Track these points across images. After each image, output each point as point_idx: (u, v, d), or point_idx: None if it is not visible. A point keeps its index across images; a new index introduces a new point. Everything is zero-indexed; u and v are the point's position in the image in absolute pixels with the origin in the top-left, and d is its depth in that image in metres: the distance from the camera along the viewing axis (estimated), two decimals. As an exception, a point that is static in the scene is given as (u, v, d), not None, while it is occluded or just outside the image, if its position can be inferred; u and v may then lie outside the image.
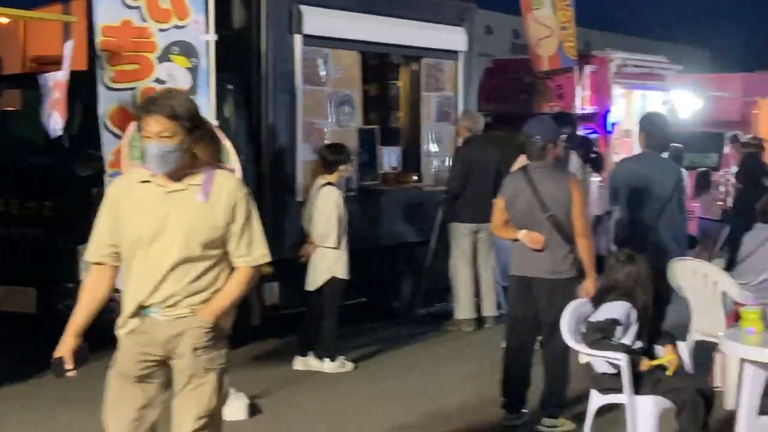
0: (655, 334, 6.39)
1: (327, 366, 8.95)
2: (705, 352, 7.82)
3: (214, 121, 7.44)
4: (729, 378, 7.55)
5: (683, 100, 17.29)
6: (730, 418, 6.13)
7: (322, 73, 10.39)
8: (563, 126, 9.30)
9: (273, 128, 9.83)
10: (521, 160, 7.83)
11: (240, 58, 9.58)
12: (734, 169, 15.60)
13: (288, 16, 9.91)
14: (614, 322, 6.13)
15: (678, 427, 6.01)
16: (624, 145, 14.79)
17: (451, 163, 11.09)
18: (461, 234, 10.79)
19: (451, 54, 11.87)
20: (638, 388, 6.06)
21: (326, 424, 7.54)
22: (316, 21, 10.11)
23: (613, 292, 6.32)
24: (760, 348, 5.74)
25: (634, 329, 6.21)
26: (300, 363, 9.05)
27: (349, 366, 9.08)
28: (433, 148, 11.81)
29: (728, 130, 18.57)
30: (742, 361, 5.94)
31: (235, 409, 7.47)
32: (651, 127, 8.41)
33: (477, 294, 10.91)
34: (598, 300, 6.42)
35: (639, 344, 6.22)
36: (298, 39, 9.99)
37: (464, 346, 10.17)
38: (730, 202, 15.76)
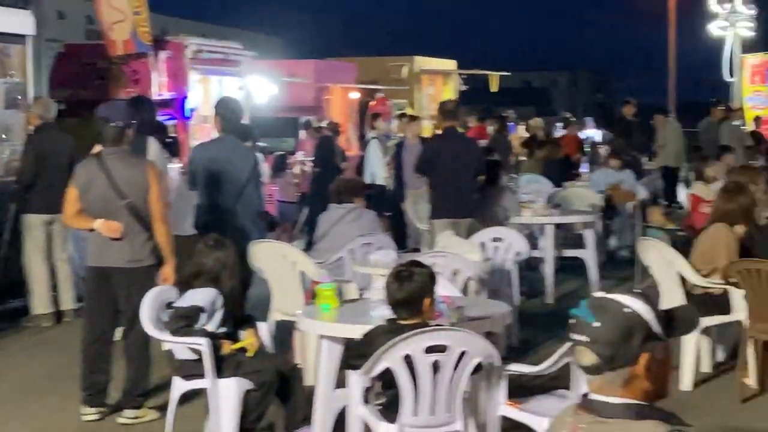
0: (239, 317, 6.42)
1: None
2: (287, 330, 8.00)
3: None
4: (308, 354, 7.76)
5: (258, 85, 17.59)
6: (310, 393, 6.28)
7: None
8: (140, 111, 9.15)
9: None
10: (99, 148, 7.60)
11: None
12: (312, 156, 16.14)
13: None
14: (199, 310, 6.08)
15: (244, 406, 6.08)
16: (202, 131, 14.83)
17: (22, 152, 10.60)
18: (34, 225, 10.37)
19: (17, 38, 11.31)
20: (221, 372, 6.07)
21: None
22: None
23: (200, 278, 6.26)
24: (335, 323, 5.92)
25: (219, 314, 6.19)
26: None
27: None
28: (3, 136, 11.24)
29: (303, 115, 19.18)
30: (320, 337, 6.09)
31: None
32: (226, 111, 8.50)
33: (55, 287, 10.55)
34: (184, 286, 6.34)
35: (224, 329, 6.22)
36: None
37: (42, 342, 9.76)
38: (306, 185, 16.30)
